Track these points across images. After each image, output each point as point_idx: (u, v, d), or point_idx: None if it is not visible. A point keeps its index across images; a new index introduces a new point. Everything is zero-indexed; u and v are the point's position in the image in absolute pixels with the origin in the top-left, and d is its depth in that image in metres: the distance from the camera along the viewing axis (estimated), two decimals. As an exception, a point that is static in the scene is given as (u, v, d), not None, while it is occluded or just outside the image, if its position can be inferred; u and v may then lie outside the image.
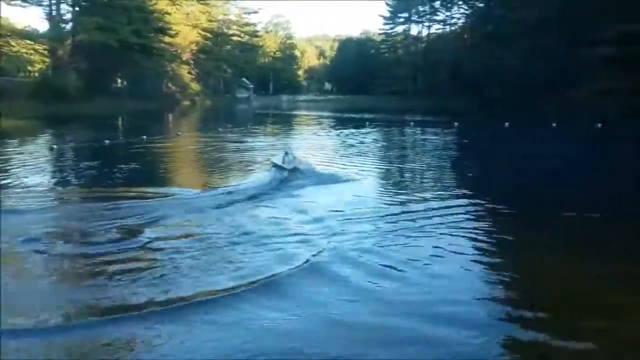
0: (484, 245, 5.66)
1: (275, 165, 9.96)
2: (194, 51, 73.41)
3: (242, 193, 8.18)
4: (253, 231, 5.92)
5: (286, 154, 10.05)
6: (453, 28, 75.85)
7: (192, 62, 73.25)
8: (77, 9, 49.12)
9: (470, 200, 7.78)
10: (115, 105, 42.52)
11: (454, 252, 5.33)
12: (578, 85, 35.99)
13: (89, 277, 4.60)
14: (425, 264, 4.94)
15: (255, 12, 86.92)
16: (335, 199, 7.87)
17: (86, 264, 4.89)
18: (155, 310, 3.87)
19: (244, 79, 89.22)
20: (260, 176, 9.84)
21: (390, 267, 4.84)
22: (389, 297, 4.19)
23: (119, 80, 58.63)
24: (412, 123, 27.94)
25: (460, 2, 73.59)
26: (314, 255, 5.06)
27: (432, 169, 11.86)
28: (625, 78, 31.93)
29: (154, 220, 6.46)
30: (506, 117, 23.95)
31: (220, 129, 23.42)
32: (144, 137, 17.60)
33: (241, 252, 5.23)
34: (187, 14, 71.22)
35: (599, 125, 21.56)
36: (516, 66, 45.60)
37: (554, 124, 21.85)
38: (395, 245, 5.51)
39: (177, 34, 63.65)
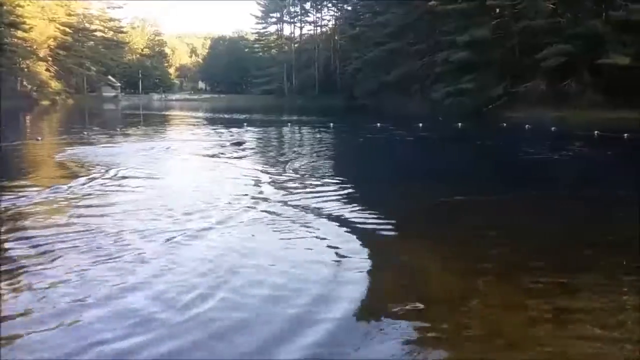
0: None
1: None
2: (52, 47, 68.03)
3: None
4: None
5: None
6: (323, 29, 78.39)
7: (50, 58, 67.85)
8: None
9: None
10: (-41, 106, 37.86)
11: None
12: (436, 87, 38.78)
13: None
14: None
15: (120, 7, 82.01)
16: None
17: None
18: None
19: (110, 77, 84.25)
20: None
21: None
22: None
23: (-37, 79, 52.50)
24: (289, 124, 28.32)
25: (329, 5, 76.18)
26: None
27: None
28: (475, 80, 34.92)
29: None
30: (376, 118, 25.18)
31: (85, 133, 21.56)
32: (-5, 143, 15.81)
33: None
34: (43, 7, 65.70)
35: (459, 125, 23.56)
36: (381, 68, 48.14)
37: (420, 124, 23.29)
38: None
39: (31, 28, 58.59)
